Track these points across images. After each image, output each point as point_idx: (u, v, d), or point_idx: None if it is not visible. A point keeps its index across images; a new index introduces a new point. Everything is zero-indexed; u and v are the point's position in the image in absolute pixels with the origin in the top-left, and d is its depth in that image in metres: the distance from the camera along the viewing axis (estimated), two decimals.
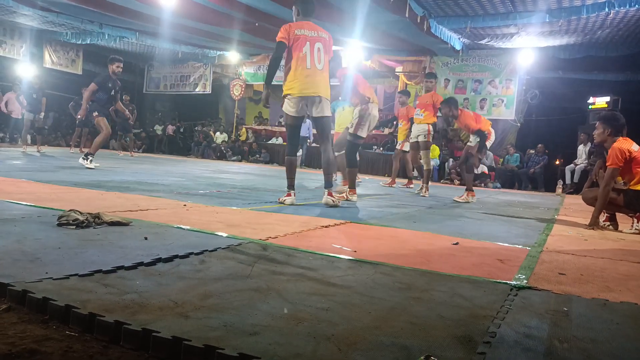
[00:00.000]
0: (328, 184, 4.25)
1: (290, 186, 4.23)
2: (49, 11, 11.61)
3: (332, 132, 6.44)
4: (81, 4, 10.62)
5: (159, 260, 1.79)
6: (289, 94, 4.14)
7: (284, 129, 16.67)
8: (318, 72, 4.14)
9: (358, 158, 6.68)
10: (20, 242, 1.91)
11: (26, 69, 13.55)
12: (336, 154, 5.41)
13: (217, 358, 1.03)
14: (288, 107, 4.17)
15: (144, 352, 1.09)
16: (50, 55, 15.09)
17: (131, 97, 13.86)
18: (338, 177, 7.38)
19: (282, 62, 4.22)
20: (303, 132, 10.31)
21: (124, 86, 17.59)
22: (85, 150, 12.44)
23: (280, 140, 15.82)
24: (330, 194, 4.20)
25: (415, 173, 8.98)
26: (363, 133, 4.97)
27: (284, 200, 4.11)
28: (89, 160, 6.80)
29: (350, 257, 2.14)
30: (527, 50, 11.38)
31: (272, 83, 4.24)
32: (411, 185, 8.18)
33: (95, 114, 7.42)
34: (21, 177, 4.65)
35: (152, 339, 1.10)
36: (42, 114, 11.14)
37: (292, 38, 4.09)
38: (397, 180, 8.63)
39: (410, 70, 13.53)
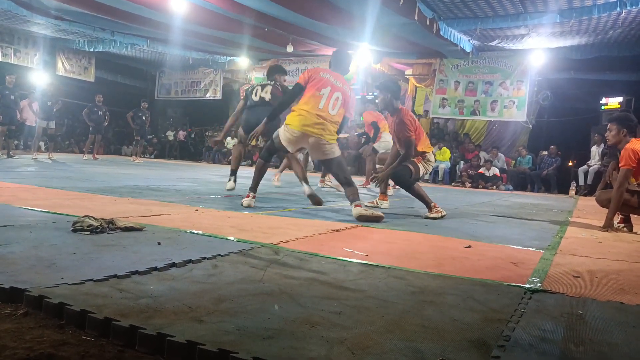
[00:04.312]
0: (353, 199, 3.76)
1: (252, 188, 4.09)
2: (61, 20, 11.77)
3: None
4: (93, 12, 10.76)
5: (173, 265, 1.80)
6: (288, 125, 3.85)
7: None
8: (329, 116, 3.80)
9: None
10: (36, 248, 1.94)
11: (40, 77, 13.75)
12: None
13: None
14: (284, 134, 3.88)
15: (159, 356, 1.10)
16: (63, 63, 15.29)
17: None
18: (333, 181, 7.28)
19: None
20: None
21: (136, 93, 17.87)
22: (98, 157, 12.62)
23: None
24: (358, 207, 3.66)
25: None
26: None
27: (242, 202, 4.01)
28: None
29: (362, 261, 2.14)
30: (538, 51, 11.30)
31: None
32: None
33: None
34: (35, 184, 4.71)
35: (167, 343, 1.11)
36: (53, 121, 11.28)
37: (313, 78, 3.87)
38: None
39: (420, 73, 13.50)
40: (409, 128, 4.26)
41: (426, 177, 9.06)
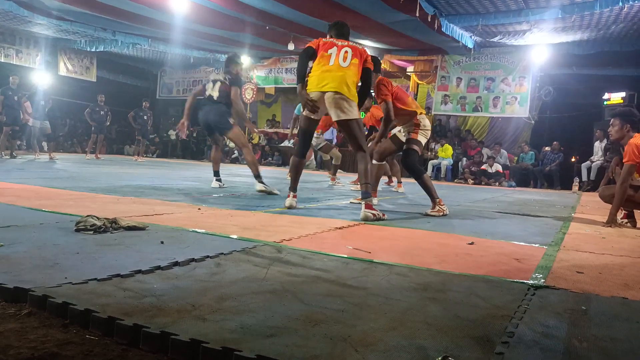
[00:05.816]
0: (364, 195, 3.67)
1: (292, 188, 3.98)
2: (63, 20, 11.79)
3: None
4: (94, 12, 10.77)
5: (176, 264, 1.80)
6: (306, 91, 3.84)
7: (296, 131, 16.70)
8: (341, 69, 3.74)
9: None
10: (39, 247, 1.94)
11: (42, 77, 13.78)
12: (374, 162, 4.68)
13: None
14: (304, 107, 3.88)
15: (162, 355, 1.11)
16: (65, 63, 15.32)
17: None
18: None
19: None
20: (327, 135, 10.13)
21: (138, 92, 17.91)
22: (101, 156, 12.64)
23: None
24: (368, 207, 3.55)
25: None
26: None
27: (285, 203, 3.93)
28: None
29: (364, 259, 2.14)
30: (540, 46, 11.27)
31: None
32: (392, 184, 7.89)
33: None
34: (38, 184, 4.72)
35: (171, 341, 1.11)
36: (47, 121, 11.36)
37: (320, 44, 3.89)
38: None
39: (422, 70, 13.48)
40: (383, 91, 4.29)
41: (430, 173, 9.03)
